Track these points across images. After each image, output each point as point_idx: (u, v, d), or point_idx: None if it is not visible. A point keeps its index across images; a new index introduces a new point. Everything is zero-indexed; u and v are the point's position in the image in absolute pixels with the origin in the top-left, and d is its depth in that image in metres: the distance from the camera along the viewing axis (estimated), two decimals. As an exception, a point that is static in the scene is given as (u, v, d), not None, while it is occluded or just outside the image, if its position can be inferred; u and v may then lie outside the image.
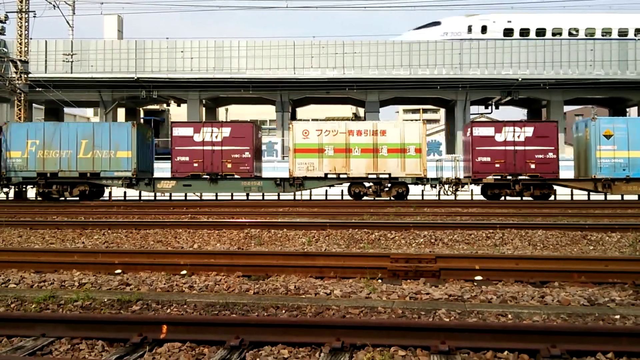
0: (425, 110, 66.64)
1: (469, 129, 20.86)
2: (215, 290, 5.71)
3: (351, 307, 4.89)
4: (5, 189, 22.12)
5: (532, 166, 19.94)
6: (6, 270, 6.81)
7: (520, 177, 20.13)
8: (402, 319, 4.64)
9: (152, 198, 23.17)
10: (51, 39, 33.34)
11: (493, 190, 20.48)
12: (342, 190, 23.27)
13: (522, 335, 3.75)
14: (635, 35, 33.71)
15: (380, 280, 6.10)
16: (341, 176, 20.77)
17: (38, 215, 14.34)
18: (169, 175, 21.47)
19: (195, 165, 20.93)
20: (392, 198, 20.30)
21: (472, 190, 21.89)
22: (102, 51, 33.18)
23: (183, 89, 34.68)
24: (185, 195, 23.69)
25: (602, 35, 33.78)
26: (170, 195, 23.48)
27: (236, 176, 21.11)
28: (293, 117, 38.63)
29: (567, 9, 40.85)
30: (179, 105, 38.95)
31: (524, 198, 20.48)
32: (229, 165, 20.92)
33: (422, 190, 22.78)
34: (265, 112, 43.66)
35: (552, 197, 20.45)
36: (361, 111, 45.45)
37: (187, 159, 20.95)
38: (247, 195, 23.39)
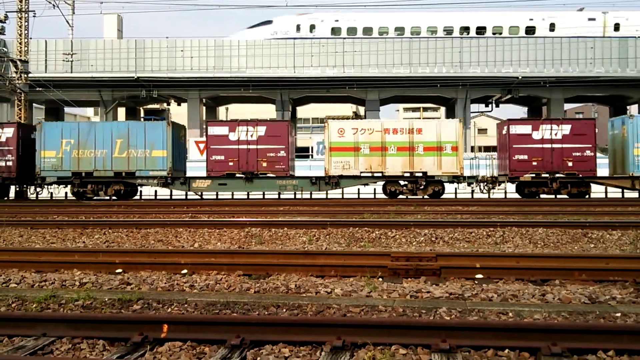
0: (425, 109, 66.59)
1: (505, 127, 20.67)
2: (216, 290, 5.71)
3: (352, 306, 4.89)
4: (38, 189, 21.85)
5: (570, 164, 19.85)
6: (7, 269, 6.81)
7: (557, 175, 19.99)
8: (402, 317, 4.63)
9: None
10: (51, 38, 33.41)
11: (530, 188, 20.35)
12: (374, 189, 23.14)
13: (523, 333, 3.75)
14: (460, 33, 33.74)
15: (381, 279, 6.10)
16: (376, 175, 20.74)
17: (39, 215, 14.34)
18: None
19: (231, 164, 20.94)
20: (426, 197, 20.11)
21: (505, 188, 21.74)
22: (102, 51, 33.19)
23: (183, 88, 34.66)
24: (186, 195, 23.70)
25: (430, 34, 33.88)
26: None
27: (271, 175, 21.09)
28: (293, 116, 38.61)
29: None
30: (179, 104, 38.94)
31: (559, 196, 20.24)
32: (265, 164, 20.92)
33: (455, 189, 22.61)
34: (266, 111, 43.63)
35: (587, 196, 20.18)
36: (361, 110, 45.40)
37: (222, 157, 20.96)
38: (248, 194, 23.40)
